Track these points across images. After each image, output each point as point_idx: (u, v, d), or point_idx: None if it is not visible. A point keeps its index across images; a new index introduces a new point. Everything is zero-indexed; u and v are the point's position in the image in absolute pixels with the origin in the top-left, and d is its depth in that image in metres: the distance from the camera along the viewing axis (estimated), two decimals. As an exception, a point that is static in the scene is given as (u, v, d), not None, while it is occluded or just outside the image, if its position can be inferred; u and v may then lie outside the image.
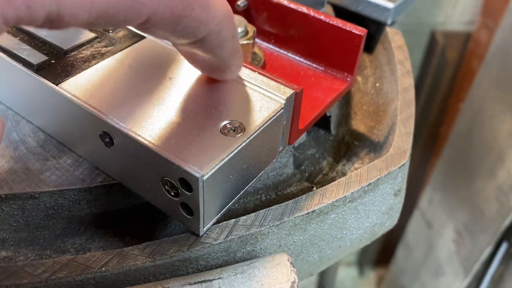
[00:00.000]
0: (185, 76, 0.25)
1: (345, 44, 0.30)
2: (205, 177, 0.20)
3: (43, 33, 0.26)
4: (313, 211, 0.24)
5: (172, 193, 0.22)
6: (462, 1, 1.40)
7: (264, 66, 0.32)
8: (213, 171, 0.20)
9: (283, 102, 0.23)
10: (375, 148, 0.32)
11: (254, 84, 0.24)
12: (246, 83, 0.24)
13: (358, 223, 0.27)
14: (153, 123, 0.22)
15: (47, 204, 0.24)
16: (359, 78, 0.38)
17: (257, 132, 0.22)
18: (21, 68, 0.24)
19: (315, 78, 0.31)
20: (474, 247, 1.24)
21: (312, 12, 0.30)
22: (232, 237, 0.22)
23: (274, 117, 0.23)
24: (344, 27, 0.29)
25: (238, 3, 0.33)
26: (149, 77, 0.24)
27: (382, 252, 1.70)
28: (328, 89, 0.30)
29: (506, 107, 1.17)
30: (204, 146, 0.21)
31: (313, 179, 0.30)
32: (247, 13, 0.33)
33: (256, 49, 0.32)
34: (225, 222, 0.23)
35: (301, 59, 0.32)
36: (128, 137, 0.21)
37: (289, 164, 0.29)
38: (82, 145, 0.25)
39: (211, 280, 0.20)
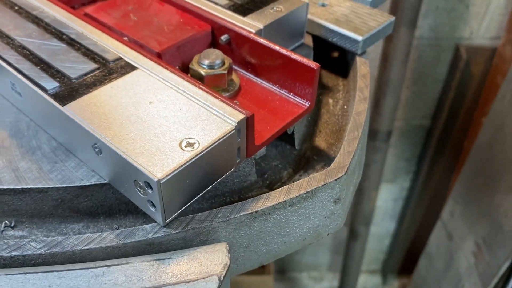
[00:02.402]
0: (161, 101, 0.31)
1: (303, 75, 0.36)
2: (162, 181, 0.26)
3: (58, 63, 0.34)
4: (256, 212, 0.30)
5: (142, 192, 0.28)
6: (488, 17, 1.41)
7: (239, 90, 0.38)
8: (168, 177, 0.27)
9: (234, 124, 0.30)
10: (328, 162, 0.38)
11: (213, 107, 0.31)
12: (206, 106, 0.31)
13: (300, 224, 0.33)
14: (131, 138, 0.29)
15: (54, 197, 0.32)
16: (330, 100, 0.44)
17: (209, 148, 0.29)
18: (38, 91, 0.32)
19: (279, 102, 0.37)
20: (492, 261, 1.26)
21: (277, 48, 0.37)
22: (188, 228, 0.29)
23: (225, 136, 0.29)
24: (301, 61, 0.36)
25: (222, 37, 0.40)
26: (135, 102, 0.31)
27: (405, 261, 1.72)
28: (287, 112, 0.36)
29: (525, 123, 1.18)
30: (165, 158, 0.27)
31: (272, 187, 0.36)
32: (229, 46, 0.40)
33: (233, 76, 0.39)
34: (184, 216, 0.30)
35: (270, 85, 0.39)
36: (110, 149, 0.28)
37: (252, 173, 0.36)
38: (81, 152, 0.32)
39: (162, 259, 0.27)
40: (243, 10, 0.42)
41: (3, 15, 0.39)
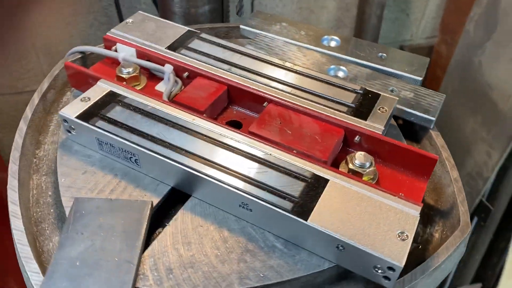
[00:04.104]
0: (362, 204, 0.47)
1: (425, 161, 0.54)
2: (402, 265, 0.43)
3: (277, 185, 0.48)
4: (435, 267, 0.48)
5: (379, 271, 0.45)
6: (424, 21, 1.67)
7: (378, 176, 0.55)
8: (404, 263, 0.43)
9: (418, 215, 0.47)
10: (442, 215, 0.56)
11: (398, 204, 0.47)
12: (392, 203, 0.48)
13: (449, 266, 0.51)
14: (365, 236, 0.44)
15: (302, 281, 0.47)
16: (417, 164, 0.62)
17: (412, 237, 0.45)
18: (280, 211, 0.46)
19: (409, 181, 0.55)
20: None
21: (405, 146, 0.54)
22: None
23: (416, 224, 0.46)
24: (425, 155, 0.53)
25: (356, 139, 0.56)
26: (347, 207, 0.47)
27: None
28: (419, 188, 0.54)
29: (468, 110, 1.44)
30: (395, 248, 0.44)
31: (416, 240, 0.54)
32: (359, 143, 0.56)
33: (371, 166, 0.55)
34: (399, 279, 0.46)
35: (397, 167, 0.56)
36: (355, 247, 0.44)
37: (404, 234, 0.53)
38: (319, 249, 0.47)
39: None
40: (360, 113, 0.58)
41: (201, 145, 0.52)
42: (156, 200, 0.52)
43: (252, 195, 0.48)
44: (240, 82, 0.61)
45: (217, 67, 0.63)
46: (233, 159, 0.51)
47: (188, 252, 0.48)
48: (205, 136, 0.54)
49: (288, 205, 0.47)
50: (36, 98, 0.63)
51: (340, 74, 0.68)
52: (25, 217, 0.51)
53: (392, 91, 0.65)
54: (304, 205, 0.47)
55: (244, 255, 0.48)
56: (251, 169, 0.50)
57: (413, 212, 0.47)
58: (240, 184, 0.49)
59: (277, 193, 0.48)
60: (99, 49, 0.67)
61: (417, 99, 0.64)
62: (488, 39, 1.38)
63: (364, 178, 0.53)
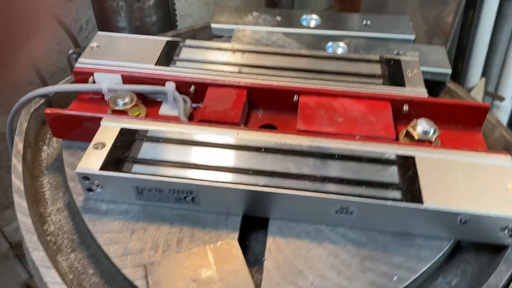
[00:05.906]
0: (459, 170, 0.44)
1: (477, 112, 0.52)
2: (531, 218, 0.41)
3: (371, 178, 0.43)
4: None
5: (506, 232, 0.42)
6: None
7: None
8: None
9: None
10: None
11: (486, 159, 0.45)
12: (482, 159, 0.45)
13: None
14: (486, 201, 0.42)
15: (428, 272, 0.43)
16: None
17: (517, 185, 0.44)
18: (390, 203, 0.42)
19: (464, 137, 0.53)
20: None
21: (457, 102, 0.52)
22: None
23: (516, 173, 0.45)
24: (478, 105, 0.52)
25: (404, 108, 0.53)
26: (449, 177, 0.44)
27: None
28: (478, 139, 0.52)
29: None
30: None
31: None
32: (409, 113, 0.53)
33: (427, 132, 0.52)
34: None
35: (452, 127, 0.54)
36: (483, 217, 0.41)
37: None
38: (435, 229, 0.43)
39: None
40: (396, 81, 0.55)
41: (265, 159, 0.45)
42: (235, 236, 0.44)
43: (353, 195, 0.42)
44: (260, 82, 0.54)
45: (226, 71, 0.55)
46: (306, 163, 0.45)
47: (306, 281, 0.41)
48: (263, 148, 0.46)
49: (397, 194, 0.42)
50: (17, 164, 0.50)
51: (339, 50, 0.64)
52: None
53: (398, 54, 0.63)
54: (410, 189, 0.43)
55: (364, 263, 0.42)
56: (331, 167, 0.45)
57: (507, 162, 0.45)
58: (332, 187, 0.43)
59: (376, 185, 0.43)
60: (75, 86, 0.55)
61: (424, 57, 0.63)
62: (390, -4, 1.44)
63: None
